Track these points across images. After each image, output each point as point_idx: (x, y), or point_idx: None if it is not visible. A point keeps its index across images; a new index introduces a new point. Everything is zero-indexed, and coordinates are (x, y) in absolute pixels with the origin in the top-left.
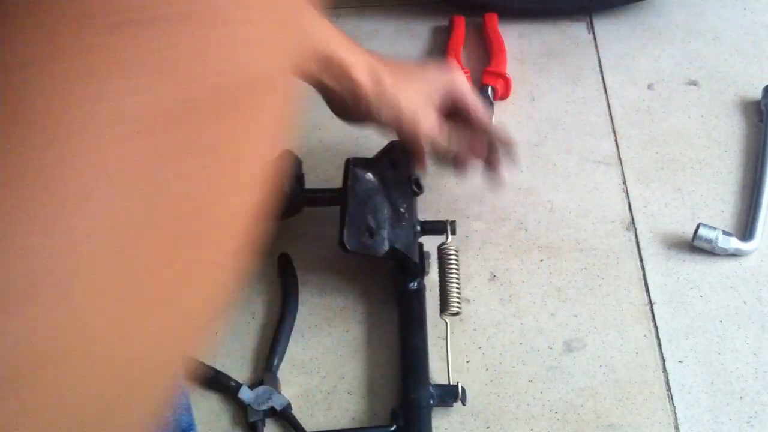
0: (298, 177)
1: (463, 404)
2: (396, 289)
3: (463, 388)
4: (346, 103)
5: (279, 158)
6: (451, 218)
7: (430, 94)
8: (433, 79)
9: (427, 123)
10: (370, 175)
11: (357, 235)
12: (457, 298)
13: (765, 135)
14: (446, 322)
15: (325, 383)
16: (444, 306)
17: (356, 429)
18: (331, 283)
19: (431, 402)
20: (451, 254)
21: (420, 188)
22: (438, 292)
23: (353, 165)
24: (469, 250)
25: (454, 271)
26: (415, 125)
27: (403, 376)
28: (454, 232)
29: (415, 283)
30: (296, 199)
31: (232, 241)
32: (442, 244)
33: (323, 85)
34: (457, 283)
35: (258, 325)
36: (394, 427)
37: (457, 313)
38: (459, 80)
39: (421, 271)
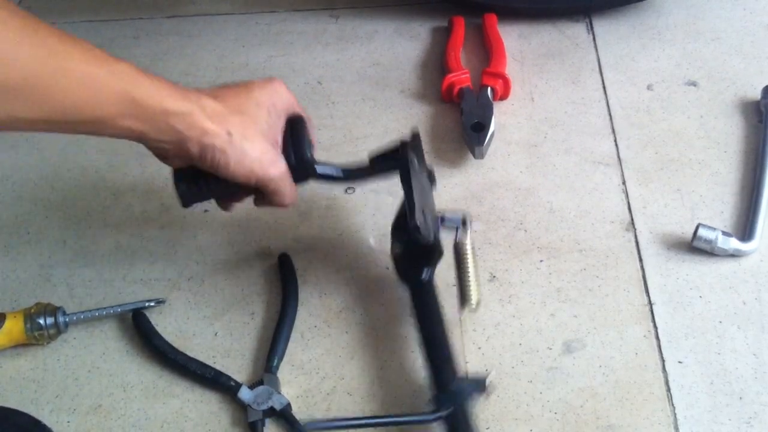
0: (308, 142)
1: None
2: (408, 283)
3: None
4: (181, 152)
5: (291, 122)
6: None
7: (271, 125)
8: (264, 102)
9: (277, 169)
10: (416, 161)
11: (420, 218)
12: (475, 292)
13: (764, 135)
14: (460, 320)
15: (325, 384)
16: (464, 300)
17: (398, 415)
18: (330, 284)
19: (469, 392)
20: (467, 249)
21: (434, 181)
22: (456, 289)
23: (410, 148)
24: None
25: (469, 265)
26: (266, 174)
27: (435, 367)
28: (469, 225)
29: (428, 274)
30: (305, 164)
31: None
32: (458, 238)
33: (148, 138)
34: (475, 277)
35: (258, 325)
36: (437, 415)
37: (474, 308)
38: (285, 94)
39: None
